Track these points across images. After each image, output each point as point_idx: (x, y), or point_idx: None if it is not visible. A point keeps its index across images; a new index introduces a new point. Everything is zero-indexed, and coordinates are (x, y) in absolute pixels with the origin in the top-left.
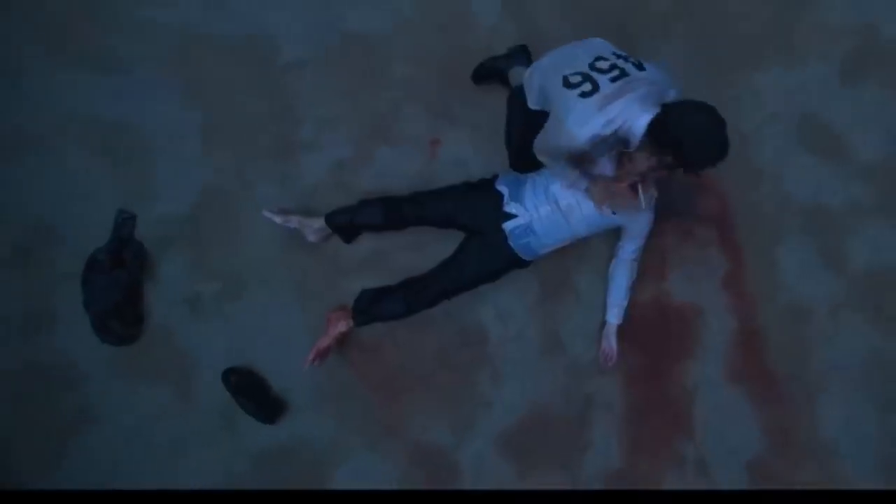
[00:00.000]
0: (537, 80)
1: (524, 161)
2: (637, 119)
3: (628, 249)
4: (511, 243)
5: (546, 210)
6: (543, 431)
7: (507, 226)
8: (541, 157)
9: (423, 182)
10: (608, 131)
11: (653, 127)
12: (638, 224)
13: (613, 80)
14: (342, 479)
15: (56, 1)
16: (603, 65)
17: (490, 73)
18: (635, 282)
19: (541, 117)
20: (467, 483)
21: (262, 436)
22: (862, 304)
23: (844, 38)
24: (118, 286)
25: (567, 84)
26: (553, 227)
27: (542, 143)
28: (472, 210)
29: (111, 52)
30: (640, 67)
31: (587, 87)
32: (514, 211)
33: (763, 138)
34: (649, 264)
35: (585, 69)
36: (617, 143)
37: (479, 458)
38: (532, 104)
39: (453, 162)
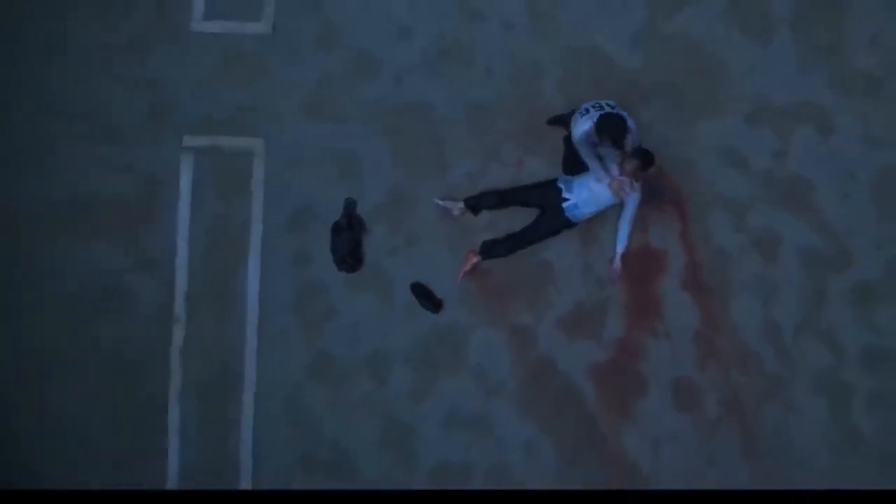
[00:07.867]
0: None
1: (571, 171)
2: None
3: (626, 213)
4: (566, 214)
5: (585, 194)
6: (580, 319)
7: (565, 205)
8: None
9: (514, 183)
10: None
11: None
12: (631, 199)
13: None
14: (474, 343)
15: (308, 81)
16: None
17: (558, 122)
18: (631, 232)
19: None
20: (542, 345)
21: (432, 319)
22: (756, 249)
23: (751, 100)
24: (350, 240)
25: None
26: (590, 204)
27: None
28: (543, 197)
29: (338, 112)
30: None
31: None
32: (568, 196)
33: (703, 159)
34: (638, 225)
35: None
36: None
37: (547, 333)
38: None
39: (531, 172)
